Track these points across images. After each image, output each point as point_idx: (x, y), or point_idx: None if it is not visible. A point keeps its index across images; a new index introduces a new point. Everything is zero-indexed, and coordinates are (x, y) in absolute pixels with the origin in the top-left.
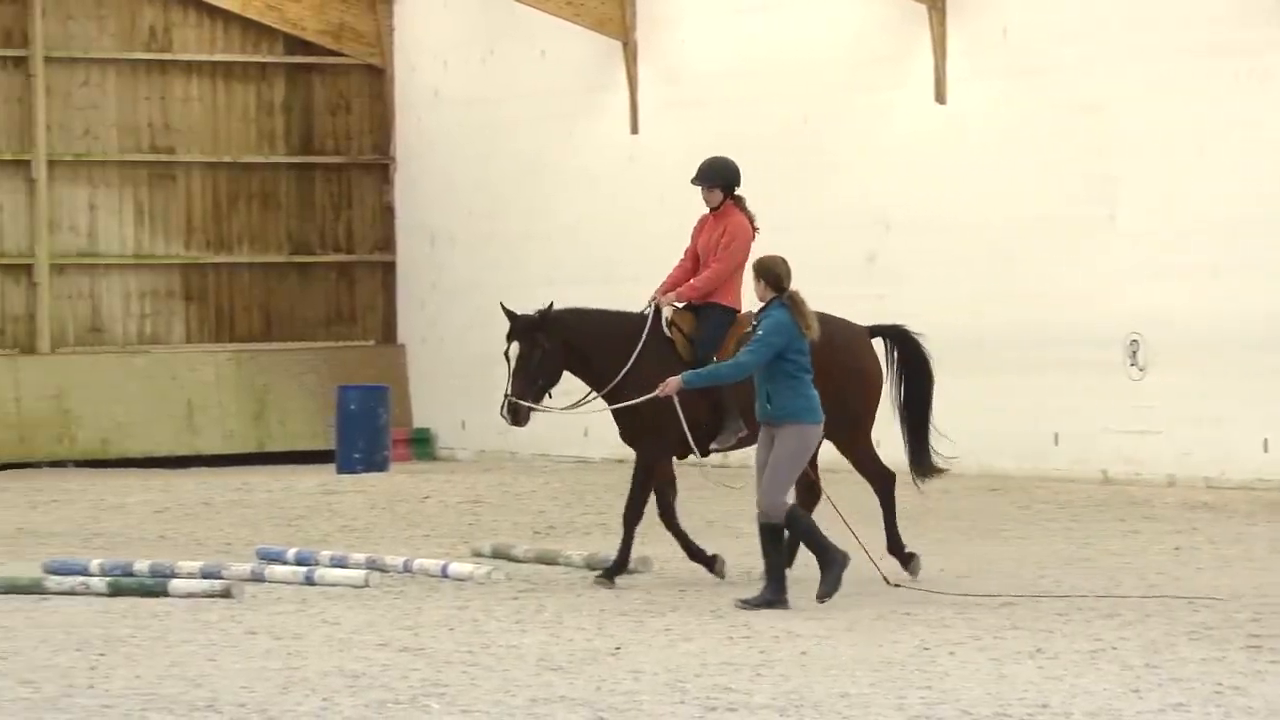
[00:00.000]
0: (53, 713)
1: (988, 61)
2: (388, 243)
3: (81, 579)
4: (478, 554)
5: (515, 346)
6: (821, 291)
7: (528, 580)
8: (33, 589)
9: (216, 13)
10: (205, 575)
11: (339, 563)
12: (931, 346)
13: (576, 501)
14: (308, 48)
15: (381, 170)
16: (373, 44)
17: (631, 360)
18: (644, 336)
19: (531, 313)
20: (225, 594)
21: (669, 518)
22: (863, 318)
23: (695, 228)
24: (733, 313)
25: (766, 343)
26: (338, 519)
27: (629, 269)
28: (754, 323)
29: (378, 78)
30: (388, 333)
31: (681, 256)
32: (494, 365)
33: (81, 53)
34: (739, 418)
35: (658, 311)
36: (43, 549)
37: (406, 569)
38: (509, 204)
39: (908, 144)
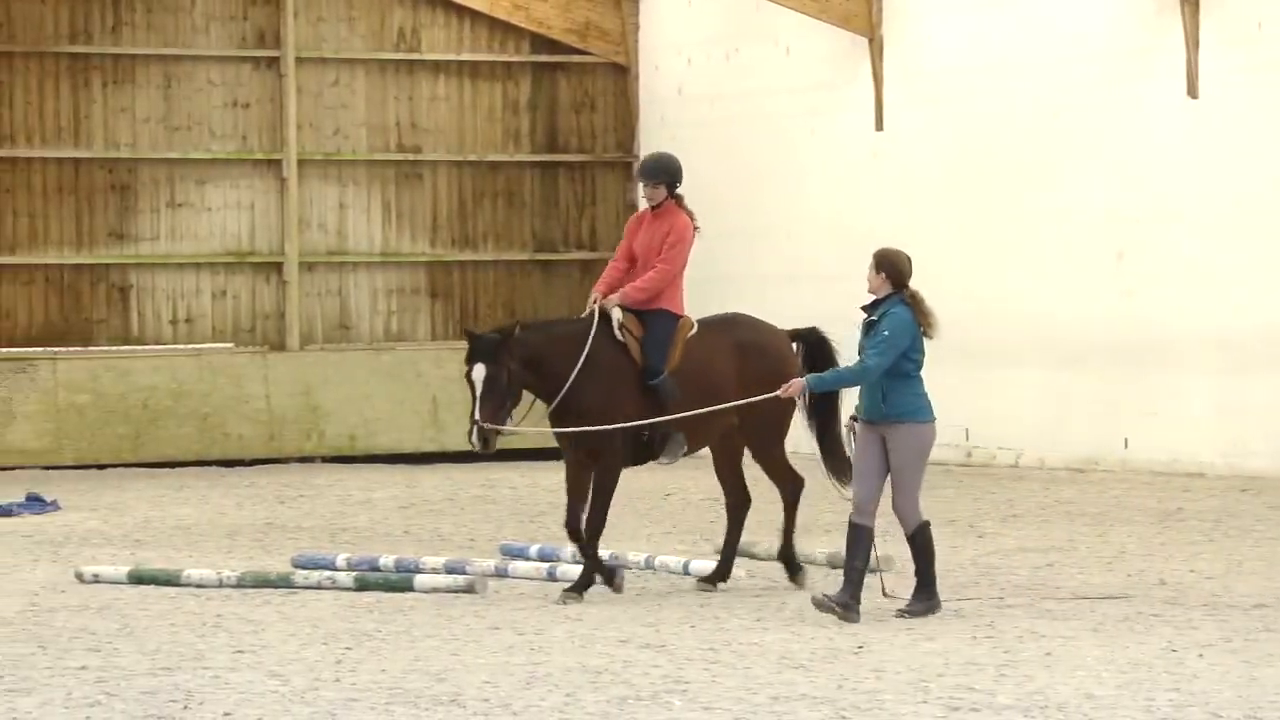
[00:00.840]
0: (299, 705)
1: (1241, 55)
2: None
3: (328, 574)
4: (720, 551)
5: (480, 369)
6: (1068, 287)
7: (769, 578)
8: (281, 584)
9: (464, 12)
10: (449, 571)
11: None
12: (1180, 345)
13: (820, 499)
14: (553, 46)
15: (625, 168)
16: (617, 42)
17: (580, 365)
18: (589, 341)
19: (493, 333)
20: (469, 589)
21: (575, 529)
22: (1110, 315)
23: (630, 225)
24: (677, 318)
25: (893, 344)
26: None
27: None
28: (872, 319)
29: (622, 76)
30: None
31: (614, 256)
32: None
33: (332, 53)
34: (682, 433)
35: (605, 315)
36: (291, 544)
37: (648, 565)
38: (751, 201)
39: (1158, 139)
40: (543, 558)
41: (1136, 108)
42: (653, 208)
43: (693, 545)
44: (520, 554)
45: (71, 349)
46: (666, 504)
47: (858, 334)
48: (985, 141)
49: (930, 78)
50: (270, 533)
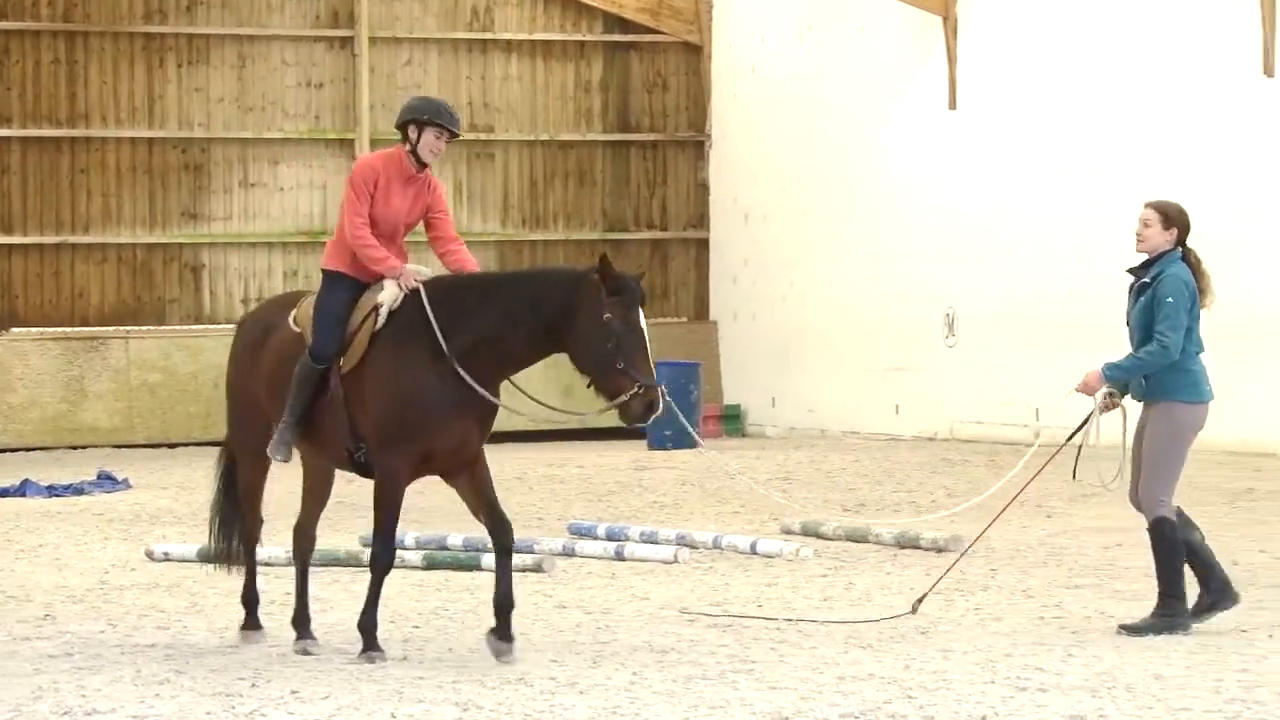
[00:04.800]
0: (367, 683)
1: None
2: (701, 220)
3: (397, 552)
4: (787, 531)
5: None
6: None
7: (836, 558)
8: (350, 562)
9: None
10: (517, 550)
11: (649, 538)
12: (1257, 326)
13: (886, 479)
14: (626, 25)
15: (696, 147)
16: (690, 21)
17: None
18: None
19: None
20: (537, 568)
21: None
22: None
23: (375, 183)
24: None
25: (1180, 309)
26: (648, 495)
27: (943, 246)
28: (1145, 280)
29: (695, 55)
30: (700, 309)
31: (355, 219)
32: (805, 343)
33: (405, 33)
34: None
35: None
36: (360, 522)
37: (716, 545)
38: (824, 181)
39: (1233, 118)
40: (610, 537)
41: (1211, 87)
42: (421, 166)
43: (760, 525)
44: (588, 533)
45: (144, 328)
46: (734, 483)
47: (1129, 304)
48: (1058, 121)
49: (1004, 57)
50: (338, 511)
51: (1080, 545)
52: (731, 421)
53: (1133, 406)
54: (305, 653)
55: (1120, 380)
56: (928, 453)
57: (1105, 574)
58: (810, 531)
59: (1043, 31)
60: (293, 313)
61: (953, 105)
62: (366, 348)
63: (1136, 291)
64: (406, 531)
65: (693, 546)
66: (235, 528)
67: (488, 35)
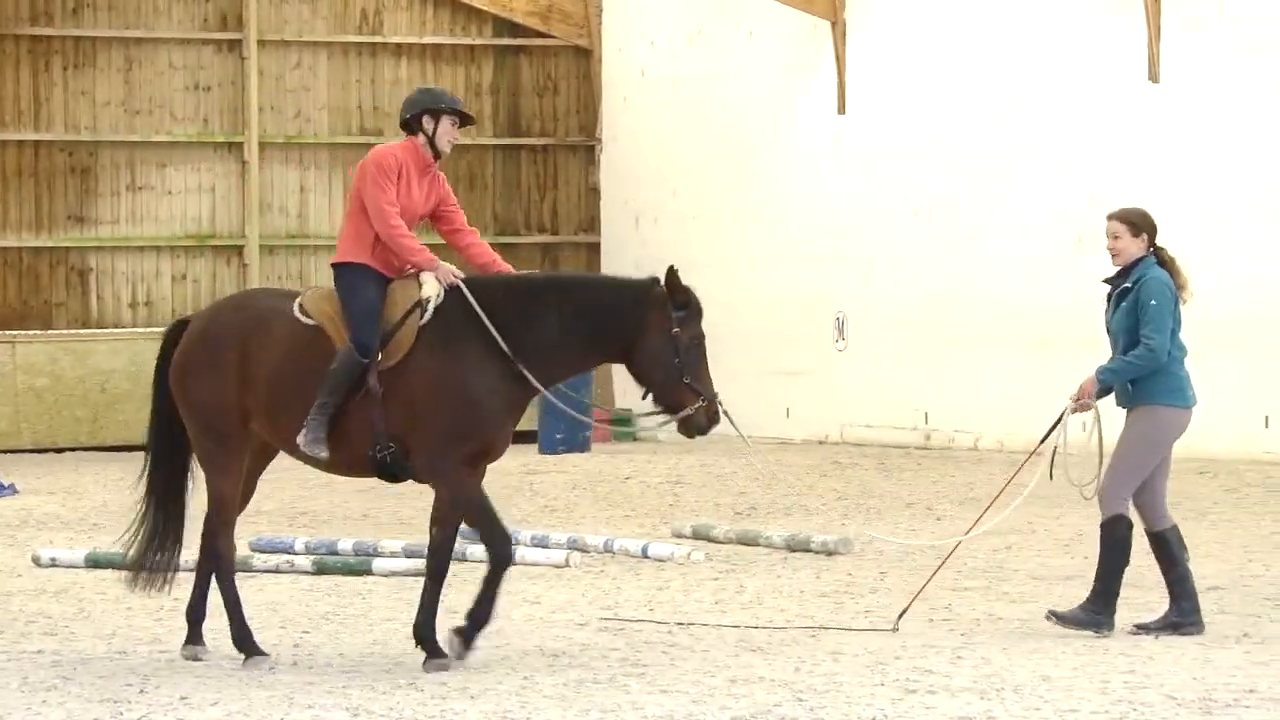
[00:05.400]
0: (257, 689)
1: (1203, 40)
2: (592, 223)
3: (287, 557)
4: (678, 535)
5: None
6: (1028, 272)
7: (728, 561)
8: (240, 567)
9: None
10: (408, 554)
11: (540, 542)
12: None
13: (777, 482)
14: (516, 29)
15: (587, 151)
16: (580, 25)
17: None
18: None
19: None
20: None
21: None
22: (1070, 299)
23: (399, 172)
24: None
25: (1165, 312)
26: (539, 499)
27: (833, 249)
28: (1125, 286)
29: (585, 59)
30: None
31: (388, 210)
32: None
33: (295, 36)
34: None
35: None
36: (250, 527)
37: (607, 549)
38: (714, 185)
39: (1120, 124)
40: None
41: (1098, 93)
42: (436, 158)
43: (651, 529)
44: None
45: (30, 332)
46: (625, 487)
47: (1108, 312)
48: (946, 125)
49: (893, 62)
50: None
51: (969, 548)
52: (622, 425)
53: (1112, 413)
54: (195, 659)
55: (1111, 383)
56: (818, 455)
57: (994, 577)
58: (701, 535)
59: (932, 37)
60: (295, 305)
61: (842, 110)
62: (413, 344)
63: (1116, 298)
64: (296, 536)
65: (584, 550)
66: (169, 541)
67: (377, 39)
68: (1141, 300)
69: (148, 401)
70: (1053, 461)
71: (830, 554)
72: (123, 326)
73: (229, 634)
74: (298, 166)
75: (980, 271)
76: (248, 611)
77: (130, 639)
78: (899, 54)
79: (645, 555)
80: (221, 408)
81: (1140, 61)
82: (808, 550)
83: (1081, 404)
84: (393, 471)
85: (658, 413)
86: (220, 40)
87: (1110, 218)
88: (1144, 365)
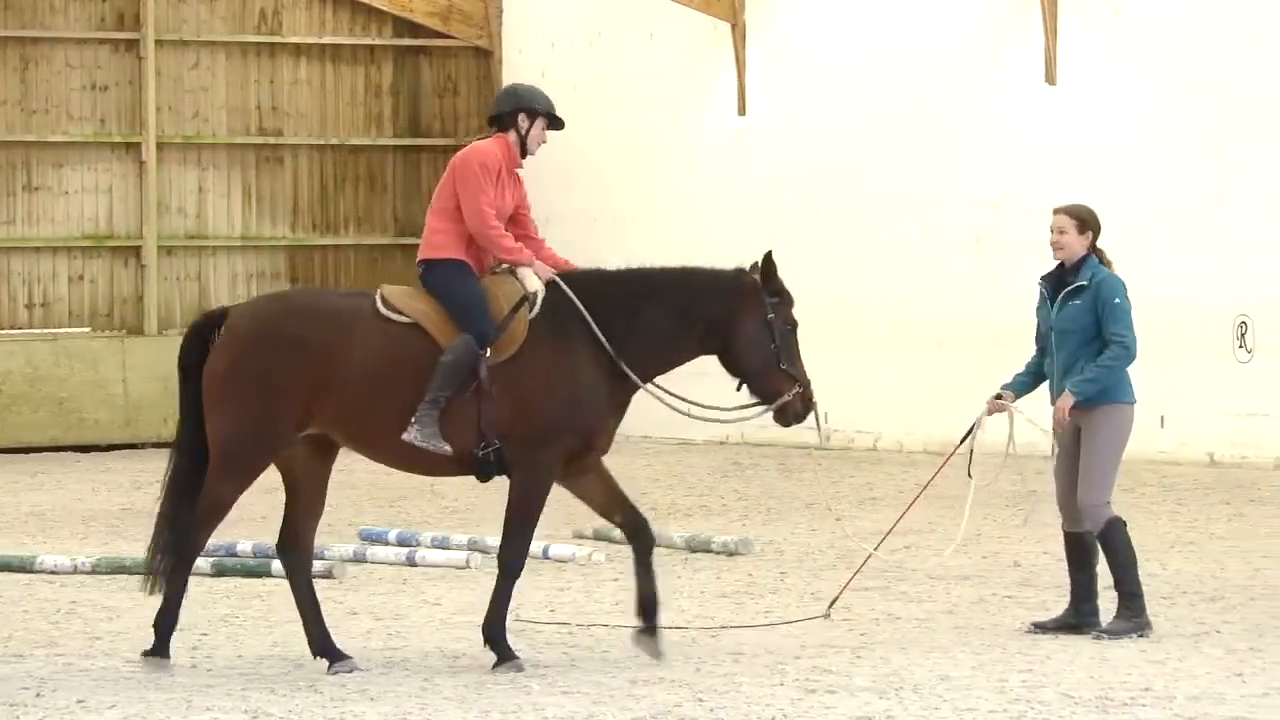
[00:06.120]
0: (155, 691)
1: (1099, 42)
2: None
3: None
4: (579, 536)
5: None
6: (927, 273)
7: (629, 562)
8: (137, 570)
9: None
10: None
11: (441, 544)
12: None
13: (678, 483)
14: (416, 30)
15: None
16: (480, 26)
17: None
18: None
19: None
20: (327, 575)
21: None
22: (969, 299)
23: (498, 171)
24: None
25: (1128, 309)
26: (440, 501)
27: (734, 251)
28: (1073, 286)
29: (485, 60)
30: None
31: (486, 209)
32: None
33: (193, 36)
34: None
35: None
36: (147, 530)
37: None
38: (615, 185)
39: (1017, 126)
40: (401, 543)
41: (995, 95)
42: (522, 157)
43: (553, 530)
44: (379, 539)
45: None
46: None
47: (1046, 310)
48: (846, 127)
49: (793, 64)
50: (126, 519)
51: (867, 548)
52: None
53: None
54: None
55: (1091, 394)
56: (720, 457)
57: (892, 577)
58: (602, 536)
59: (831, 39)
60: (377, 304)
61: (742, 111)
62: (524, 339)
63: (1063, 297)
64: None
65: (485, 552)
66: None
67: (276, 38)
68: (1103, 298)
69: (44, 403)
70: (970, 461)
71: (731, 554)
72: (19, 327)
73: (149, 621)
74: (196, 167)
75: (879, 272)
76: (151, 614)
77: (27, 643)
78: (799, 55)
79: (546, 556)
80: (276, 415)
81: (1037, 64)
82: (708, 551)
83: (996, 405)
84: (489, 469)
85: (755, 404)
86: (117, 40)
87: (1057, 211)
88: (1121, 365)
